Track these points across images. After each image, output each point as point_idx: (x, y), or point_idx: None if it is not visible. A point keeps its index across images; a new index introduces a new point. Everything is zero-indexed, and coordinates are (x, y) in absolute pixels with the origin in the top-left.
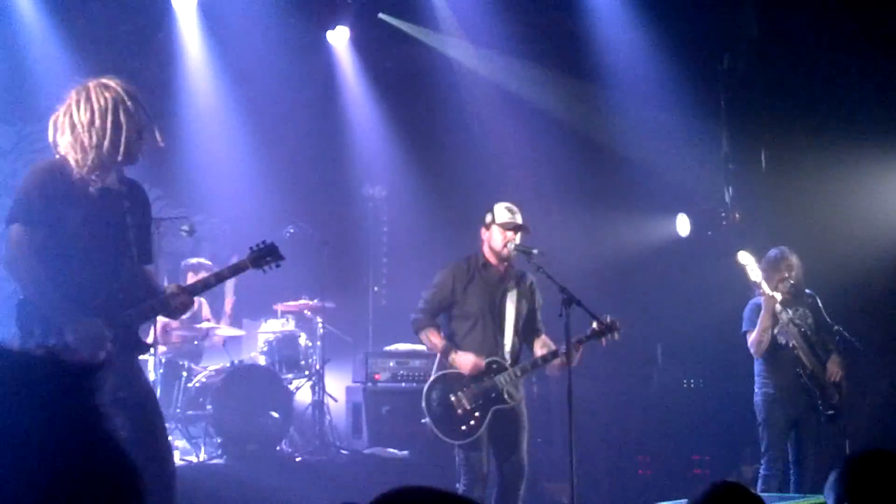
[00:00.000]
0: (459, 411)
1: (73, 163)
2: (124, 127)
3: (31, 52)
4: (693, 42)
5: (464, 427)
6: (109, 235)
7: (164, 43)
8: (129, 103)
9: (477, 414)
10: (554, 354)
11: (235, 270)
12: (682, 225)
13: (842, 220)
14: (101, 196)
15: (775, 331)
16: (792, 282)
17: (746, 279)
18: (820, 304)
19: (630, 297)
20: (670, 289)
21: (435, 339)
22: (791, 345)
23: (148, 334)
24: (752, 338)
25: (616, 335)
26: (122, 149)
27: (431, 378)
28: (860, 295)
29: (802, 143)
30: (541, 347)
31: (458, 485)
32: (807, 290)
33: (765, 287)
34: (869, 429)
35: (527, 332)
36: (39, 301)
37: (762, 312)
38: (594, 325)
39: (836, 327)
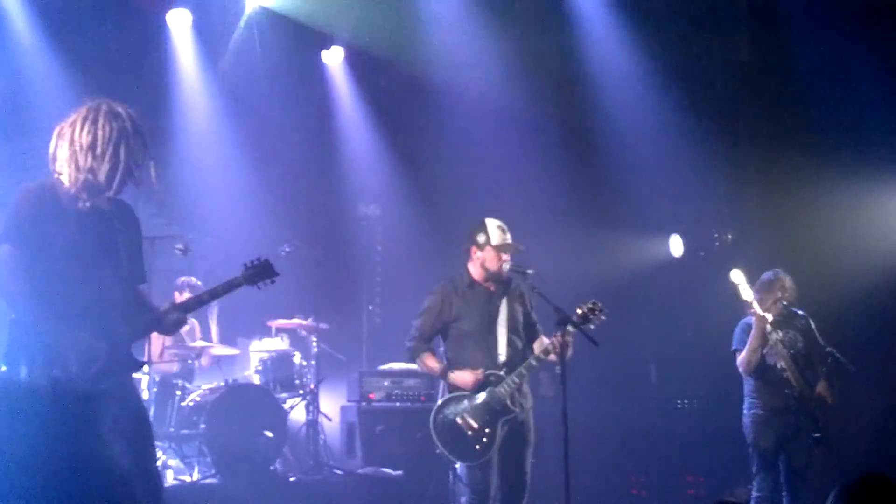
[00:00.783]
0: (469, 432)
1: (65, 179)
2: (122, 163)
3: (26, 67)
4: (686, 65)
5: (477, 446)
6: (100, 255)
7: (159, 61)
8: (132, 140)
9: (487, 430)
10: (546, 352)
11: (229, 287)
12: (676, 245)
13: (834, 240)
14: (91, 216)
15: (765, 351)
16: (785, 303)
17: (738, 298)
18: (813, 326)
19: (624, 318)
20: (664, 309)
21: (431, 363)
22: (780, 366)
23: (143, 352)
24: (741, 357)
25: (602, 315)
26: (114, 184)
27: (434, 408)
28: (852, 315)
29: (795, 164)
30: (536, 347)
31: (462, 499)
32: (799, 312)
33: (756, 307)
34: (862, 450)
35: (527, 335)
36: (31, 322)
37: (752, 332)
38: (578, 311)
39: (828, 349)
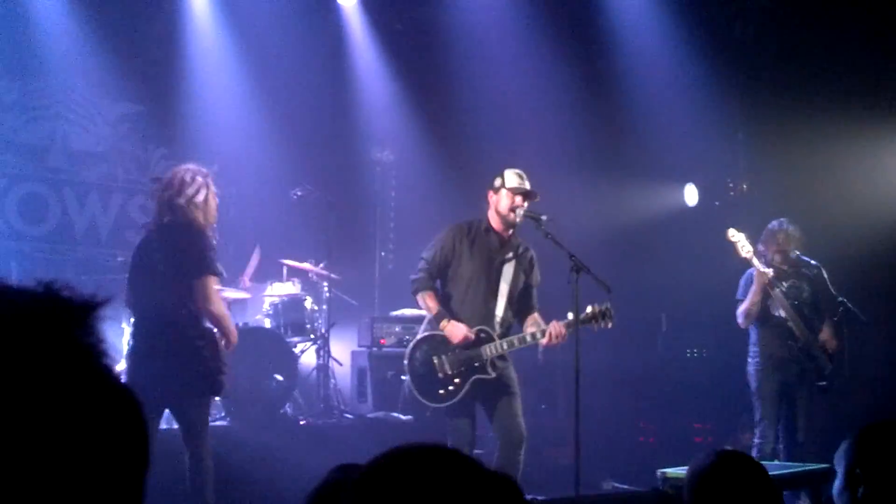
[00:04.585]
0: (440, 375)
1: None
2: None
3: (34, 9)
4: (704, 9)
5: (441, 391)
6: None
7: (171, 0)
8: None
9: (457, 380)
10: (543, 333)
11: None
12: (690, 194)
13: (851, 190)
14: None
15: (768, 302)
16: (797, 253)
17: (737, 256)
18: (825, 276)
19: (636, 266)
20: (677, 258)
21: (431, 302)
22: (783, 316)
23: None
24: (740, 308)
25: (609, 323)
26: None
27: (417, 337)
28: (868, 265)
29: (814, 113)
30: (531, 325)
31: (482, 451)
32: (812, 262)
33: (756, 263)
34: (871, 402)
35: (520, 305)
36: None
37: (753, 286)
38: (588, 309)
39: (840, 298)
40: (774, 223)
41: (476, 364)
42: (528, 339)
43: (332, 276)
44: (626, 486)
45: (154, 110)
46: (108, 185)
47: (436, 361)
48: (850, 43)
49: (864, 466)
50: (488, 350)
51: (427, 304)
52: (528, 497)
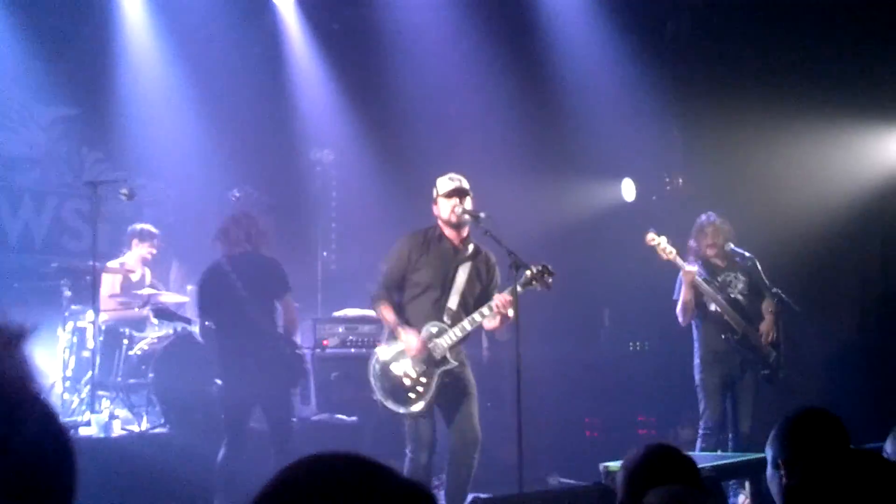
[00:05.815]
0: (406, 381)
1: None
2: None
3: None
4: (637, 9)
5: (412, 395)
6: None
7: (104, 2)
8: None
9: (423, 380)
10: (490, 308)
11: None
12: (628, 190)
13: (785, 183)
14: None
15: (704, 299)
16: (731, 246)
17: (660, 259)
18: (759, 267)
19: (577, 262)
20: (617, 253)
21: (387, 314)
22: (717, 310)
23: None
24: (677, 307)
25: (550, 278)
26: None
27: (373, 356)
28: (804, 257)
29: (746, 108)
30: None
31: (406, 451)
32: (746, 254)
33: (679, 262)
34: (813, 390)
35: (480, 303)
36: None
37: (682, 286)
38: (527, 272)
39: (774, 290)
40: (703, 217)
41: (437, 358)
42: (478, 317)
43: None
44: (571, 481)
45: (88, 114)
46: (41, 189)
47: (397, 370)
48: (781, 40)
49: (787, 455)
50: (444, 342)
51: (384, 316)
52: (472, 496)
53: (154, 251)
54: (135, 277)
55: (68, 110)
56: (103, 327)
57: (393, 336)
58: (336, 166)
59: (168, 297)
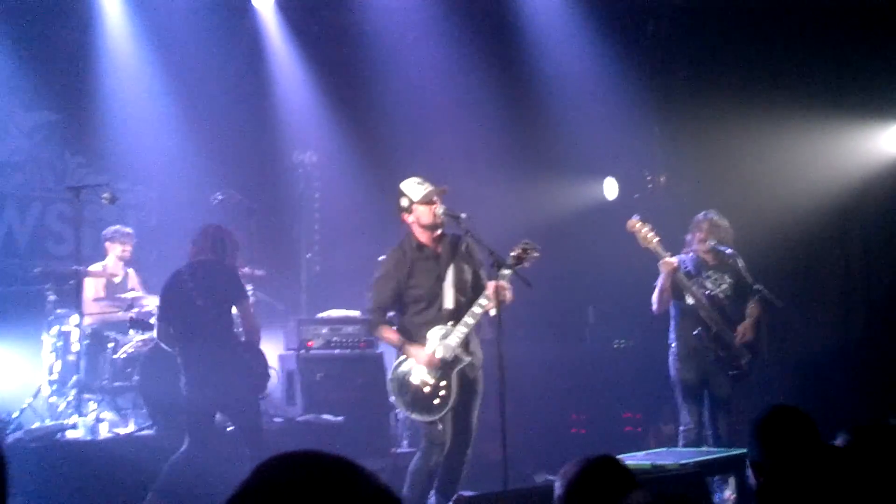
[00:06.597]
0: (426, 389)
1: None
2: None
3: None
4: (617, 8)
5: (436, 401)
6: None
7: (85, 5)
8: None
9: (443, 384)
10: (486, 298)
11: None
12: (610, 188)
13: (766, 180)
14: None
15: (685, 293)
16: (713, 243)
17: (639, 246)
18: (741, 264)
19: (561, 261)
20: (600, 251)
21: (389, 335)
22: (694, 305)
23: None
24: (653, 295)
25: (536, 252)
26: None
27: (389, 372)
28: (785, 254)
29: (727, 107)
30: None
31: (415, 449)
32: (728, 251)
33: (659, 251)
34: (794, 386)
35: (475, 293)
36: None
37: (661, 276)
38: (511, 253)
39: (756, 286)
40: (700, 214)
41: (449, 359)
42: (477, 310)
43: (257, 272)
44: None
45: (70, 118)
46: (25, 194)
47: (415, 380)
48: (760, 40)
49: (757, 455)
50: (452, 340)
51: (386, 338)
52: (457, 494)
53: (129, 248)
54: (118, 280)
55: (50, 115)
56: (88, 331)
57: (399, 354)
58: (319, 168)
59: (151, 301)
